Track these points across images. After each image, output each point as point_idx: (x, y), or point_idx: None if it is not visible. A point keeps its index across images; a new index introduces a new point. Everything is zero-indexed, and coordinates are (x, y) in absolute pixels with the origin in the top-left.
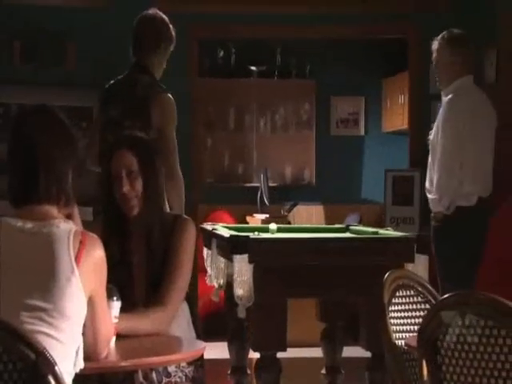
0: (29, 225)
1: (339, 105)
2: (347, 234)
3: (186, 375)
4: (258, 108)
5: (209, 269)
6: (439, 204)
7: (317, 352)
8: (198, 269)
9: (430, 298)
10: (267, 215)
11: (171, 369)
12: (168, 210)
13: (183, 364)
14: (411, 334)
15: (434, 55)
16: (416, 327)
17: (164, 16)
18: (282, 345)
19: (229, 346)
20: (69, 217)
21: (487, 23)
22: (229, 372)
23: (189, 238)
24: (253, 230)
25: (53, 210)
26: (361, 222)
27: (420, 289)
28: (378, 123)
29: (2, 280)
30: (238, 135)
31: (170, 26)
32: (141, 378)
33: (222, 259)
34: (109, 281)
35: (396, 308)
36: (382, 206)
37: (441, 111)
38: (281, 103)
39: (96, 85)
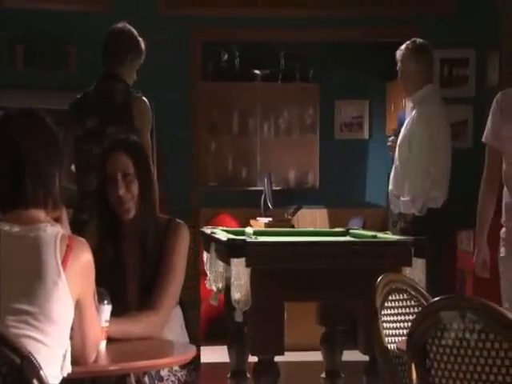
0: (16, 229)
1: (343, 108)
2: (346, 238)
3: (178, 379)
4: (262, 112)
5: (208, 273)
6: (412, 206)
7: (317, 356)
8: (201, 272)
9: (423, 301)
10: (271, 219)
11: (164, 372)
12: None
13: (176, 368)
14: (403, 338)
15: (399, 65)
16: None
17: (133, 30)
18: (280, 349)
19: (228, 350)
20: (57, 220)
21: (490, 26)
22: (228, 376)
23: (182, 242)
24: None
25: (40, 213)
26: (365, 226)
27: (413, 292)
28: (382, 127)
29: None
30: (241, 139)
31: (140, 39)
32: (133, 382)
33: (220, 263)
34: (101, 284)
35: (389, 312)
36: (385, 209)
37: (411, 117)
38: (285, 107)
39: None
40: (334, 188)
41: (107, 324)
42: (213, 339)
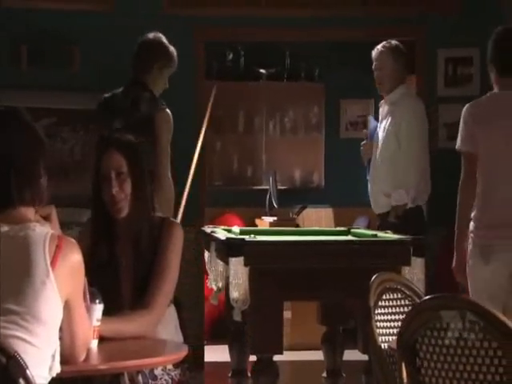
0: (5, 228)
1: (348, 107)
2: (347, 237)
3: (172, 378)
4: (267, 111)
5: (209, 272)
6: (406, 196)
7: (319, 355)
8: (205, 272)
9: (417, 300)
10: (275, 218)
11: (157, 372)
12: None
13: (169, 367)
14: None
15: (376, 63)
16: None
17: (163, 39)
18: (279, 348)
19: (229, 350)
20: (47, 219)
21: (494, 25)
22: (229, 375)
23: (176, 242)
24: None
25: (29, 212)
26: (370, 225)
27: (407, 292)
28: None
29: None
30: (247, 138)
31: (171, 48)
32: (127, 381)
33: (220, 262)
34: (95, 283)
35: (383, 311)
36: None
37: (390, 115)
38: (290, 106)
39: (101, 88)
40: (339, 187)
41: (99, 323)
42: (216, 338)
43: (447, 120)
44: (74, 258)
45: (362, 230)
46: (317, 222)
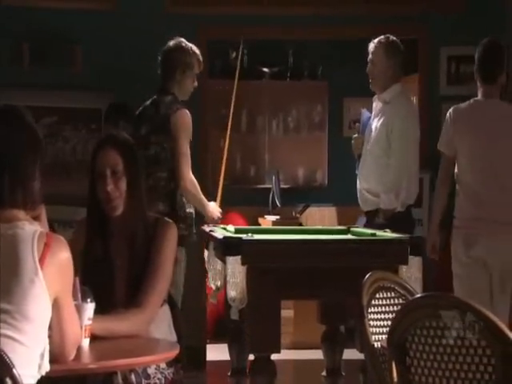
0: None
1: (352, 106)
2: (345, 236)
3: (165, 377)
4: (270, 110)
5: (208, 271)
6: (396, 201)
7: (319, 354)
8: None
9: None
10: (279, 217)
11: (151, 370)
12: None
13: (163, 366)
14: None
15: (371, 57)
16: None
17: (182, 44)
18: (276, 347)
19: (229, 348)
20: (37, 219)
21: (497, 23)
22: (229, 374)
23: (170, 241)
24: None
25: (19, 213)
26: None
27: (401, 291)
28: None
29: None
30: (250, 137)
31: (190, 51)
32: (120, 380)
33: (218, 261)
34: (89, 281)
35: (376, 310)
36: None
37: (382, 114)
38: (293, 105)
39: (104, 87)
40: (342, 186)
41: (90, 322)
42: (218, 337)
43: None
44: (63, 256)
45: (361, 229)
46: (320, 221)
